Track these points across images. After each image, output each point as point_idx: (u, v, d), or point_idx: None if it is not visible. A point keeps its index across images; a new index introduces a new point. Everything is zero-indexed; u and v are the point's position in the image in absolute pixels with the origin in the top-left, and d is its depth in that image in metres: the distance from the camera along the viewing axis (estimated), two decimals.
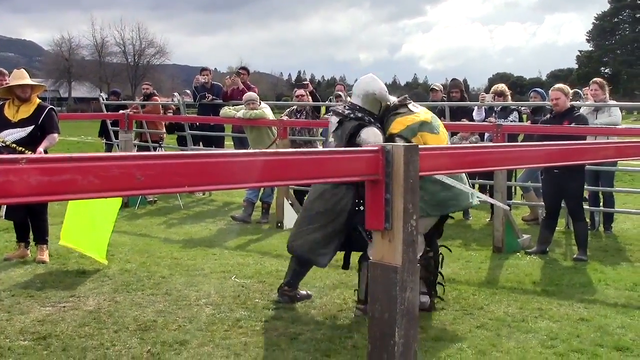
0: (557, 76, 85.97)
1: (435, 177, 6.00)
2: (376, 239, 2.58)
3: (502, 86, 11.75)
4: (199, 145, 14.81)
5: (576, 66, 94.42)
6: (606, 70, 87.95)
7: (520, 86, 73.97)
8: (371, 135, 6.10)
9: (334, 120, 6.48)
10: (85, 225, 7.76)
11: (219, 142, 14.77)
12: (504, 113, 11.06)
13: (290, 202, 10.66)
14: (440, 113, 11.73)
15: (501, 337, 5.61)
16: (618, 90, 77.89)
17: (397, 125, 6.19)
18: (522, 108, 12.05)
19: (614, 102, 11.09)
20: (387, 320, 2.55)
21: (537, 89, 12.26)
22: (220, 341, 5.43)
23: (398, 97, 6.54)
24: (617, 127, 10.01)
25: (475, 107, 11.33)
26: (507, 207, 6.21)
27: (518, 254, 8.69)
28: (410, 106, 6.36)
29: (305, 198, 6.77)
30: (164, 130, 15.60)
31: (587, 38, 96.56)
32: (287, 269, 6.74)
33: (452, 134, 10.96)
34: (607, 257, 8.54)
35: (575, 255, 8.40)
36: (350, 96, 12.43)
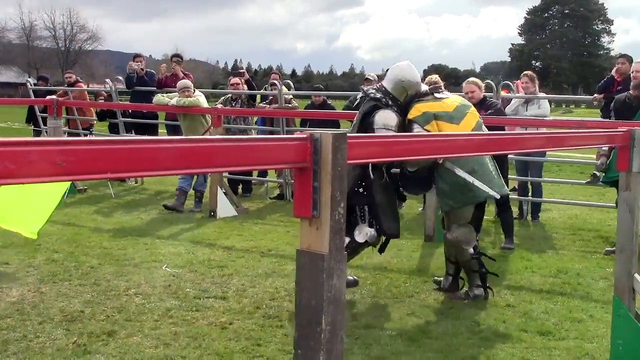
0: (491, 68, 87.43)
1: (452, 168, 6.13)
2: (303, 227, 2.58)
3: (435, 77, 11.84)
4: (132, 133, 14.59)
5: (509, 59, 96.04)
6: (537, 64, 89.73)
7: (455, 77, 74.86)
8: (382, 118, 6.22)
9: (359, 96, 6.75)
10: (15, 202, 7.57)
11: (152, 130, 14.58)
12: None
13: (224, 190, 10.60)
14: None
15: (430, 324, 5.70)
16: (548, 84, 79.51)
17: (414, 111, 6.36)
18: None
19: (544, 95, 11.31)
20: (314, 307, 2.55)
21: (468, 80, 12.40)
22: (149, 331, 5.38)
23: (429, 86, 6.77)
24: (546, 118, 10.22)
25: None
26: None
27: None
28: (436, 94, 6.54)
29: None
30: (94, 117, 15.35)
31: (520, 32, 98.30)
32: None
33: None
34: (534, 245, 8.72)
35: (502, 244, 8.56)
36: (285, 86, 12.51)
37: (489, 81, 10.71)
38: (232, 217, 10.41)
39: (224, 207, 10.48)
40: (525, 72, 10.94)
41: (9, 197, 7.61)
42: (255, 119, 13.60)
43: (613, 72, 11.27)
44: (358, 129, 6.36)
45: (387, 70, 12.99)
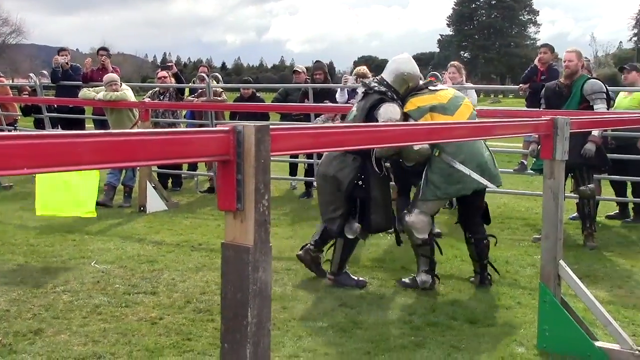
0: (420, 59, 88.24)
1: (448, 161, 6.15)
2: (228, 220, 2.57)
3: (363, 68, 11.92)
4: (58, 128, 14.29)
5: (438, 50, 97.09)
6: (465, 54, 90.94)
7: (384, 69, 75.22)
8: (388, 112, 6.29)
9: (360, 91, 6.82)
10: (61, 190, 7.44)
11: (79, 125, 14.29)
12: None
13: (153, 185, 10.48)
14: (304, 95, 11.82)
15: (361, 314, 5.73)
16: (477, 74, 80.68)
17: (409, 105, 6.46)
18: None
19: (471, 85, 11.48)
20: (239, 300, 2.54)
21: None
22: (77, 328, 5.29)
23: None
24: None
25: (338, 89, 11.45)
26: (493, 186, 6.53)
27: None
28: (431, 87, 6.63)
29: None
30: (18, 112, 14.99)
31: (448, 23, 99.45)
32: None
33: (316, 116, 11.07)
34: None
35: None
36: (214, 79, 12.42)
37: (436, 73, 10.83)
38: (162, 211, 10.31)
39: (154, 201, 10.37)
40: (452, 62, 11.08)
41: (53, 187, 7.40)
42: (184, 112, 13.47)
43: (536, 61, 11.47)
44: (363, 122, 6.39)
45: (315, 62, 13.10)
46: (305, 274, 6.90)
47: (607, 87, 8.56)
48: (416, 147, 6.10)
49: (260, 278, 2.54)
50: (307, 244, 6.88)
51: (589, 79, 8.61)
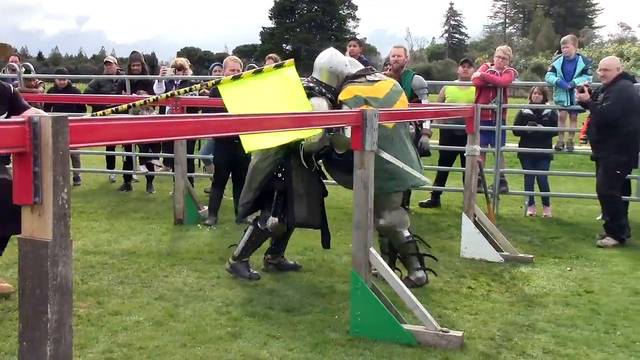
0: (243, 51, 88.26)
1: (380, 154, 6.02)
2: (25, 214, 2.48)
3: (182, 60, 11.83)
4: None
5: (260, 42, 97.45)
6: (288, 47, 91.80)
7: (207, 60, 74.74)
8: (315, 105, 6.21)
9: None
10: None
11: None
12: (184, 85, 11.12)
13: None
14: (120, 86, 11.56)
15: (178, 307, 5.69)
16: (299, 66, 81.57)
17: (346, 93, 6.36)
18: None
19: None
20: (38, 296, 2.46)
21: (218, 63, 12.49)
22: None
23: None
24: None
25: (156, 81, 11.28)
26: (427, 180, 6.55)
27: (199, 225, 8.85)
28: (369, 77, 6.49)
29: None
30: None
31: (270, 15, 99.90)
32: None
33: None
34: None
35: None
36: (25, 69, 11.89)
37: (253, 64, 10.87)
38: None
39: None
40: (270, 55, 11.20)
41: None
42: None
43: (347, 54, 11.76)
44: None
45: (132, 53, 12.83)
46: (120, 268, 6.77)
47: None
48: (348, 134, 6.04)
49: (60, 273, 2.48)
50: (266, 256, 6.92)
51: (415, 74, 9.08)
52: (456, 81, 11.22)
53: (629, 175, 9.06)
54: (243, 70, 9.03)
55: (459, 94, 10.63)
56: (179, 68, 11.42)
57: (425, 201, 10.69)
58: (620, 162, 8.36)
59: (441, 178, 10.89)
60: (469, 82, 10.52)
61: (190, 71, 11.95)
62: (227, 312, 5.63)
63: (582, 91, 8.61)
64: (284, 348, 4.90)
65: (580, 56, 9.84)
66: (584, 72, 9.66)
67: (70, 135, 2.48)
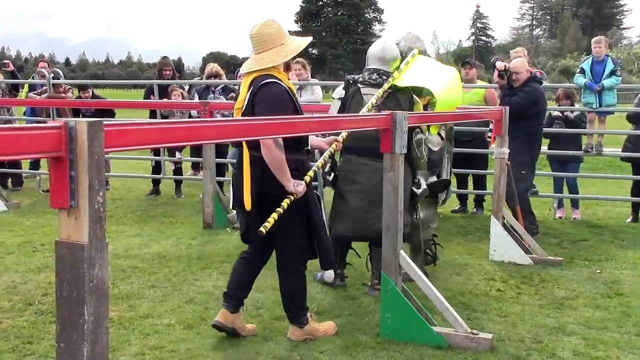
0: None
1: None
2: (62, 218, 2.52)
3: (216, 67, 11.86)
4: None
5: None
6: (314, 51, 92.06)
7: (234, 65, 75.05)
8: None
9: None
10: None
11: None
12: (225, 92, 11.20)
13: None
14: (149, 91, 11.65)
15: (209, 310, 5.73)
16: (325, 70, 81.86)
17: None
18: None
19: (316, 81, 11.67)
20: (75, 298, 2.50)
21: None
22: None
23: None
24: (319, 104, 10.53)
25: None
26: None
27: (228, 229, 8.90)
28: None
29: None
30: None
31: (296, 19, 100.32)
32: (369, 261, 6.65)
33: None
34: None
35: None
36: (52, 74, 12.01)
37: None
38: (2, 212, 9.92)
39: None
40: (297, 59, 11.20)
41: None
42: (23, 109, 13.07)
43: None
44: None
45: (162, 58, 12.92)
46: (151, 272, 6.83)
47: None
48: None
49: (96, 275, 2.51)
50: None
51: None
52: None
53: None
54: None
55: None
56: (215, 75, 11.47)
57: (456, 208, 10.64)
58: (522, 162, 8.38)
59: (462, 181, 10.81)
60: (471, 84, 10.48)
61: (224, 76, 11.99)
62: (258, 315, 5.66)
63: (501, 77, 8.70)
64: (314, 350, 4.92)
65: (609, 57, 9.77)
66: (612, 73, 9.58)
67: (105, 139, 2.52)
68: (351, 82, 6.51)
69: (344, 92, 6.54)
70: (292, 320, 5.17)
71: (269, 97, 4.71)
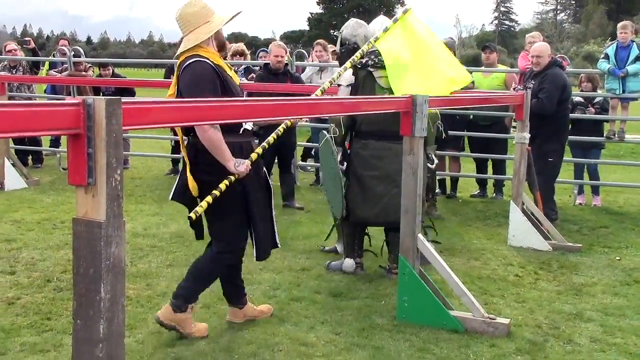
0: (290, 37, 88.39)
1: None
2: (79, 195, 2.53)
3: (241, 46, 11.83)
4: None
5: (308, 28, 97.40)
6: (335, 33, 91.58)
7: (255, 46, 75.06)
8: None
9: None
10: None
11: None
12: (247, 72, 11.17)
13: (12, 162, 10.11)
14: (170, 70, 11.64)
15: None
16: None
17: None
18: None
19: (337, 63, 11.59)
20: (92, 275, 2.51)
21: (264, 49, 12.53)
22: None
23: None
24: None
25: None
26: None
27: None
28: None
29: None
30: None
31: (318, 1, 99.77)
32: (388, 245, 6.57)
33: None
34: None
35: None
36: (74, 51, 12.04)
37: (302, 50, 10.89)
38: (22, 189, 9.97)
39: (12, 178, 10.00)
40: (318, 40, 11.17)
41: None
42: (44, 86, 13.11)
43: None
44: None
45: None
46: (169, 251, 6.85)
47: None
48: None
49: (113, 253, 2.52)
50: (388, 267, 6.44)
51: None
52: (479, 68, 11.00)
53: None
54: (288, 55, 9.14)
55: (481, 81, 10.42)
56: (240, 54, 11.41)
57: (475, 193, 10.59)
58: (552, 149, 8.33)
59: (481, 165, 10.77)
60: (491, 68, 10.40)
61: (249, 57, 11.94)
62: (274, 296, 5.66)
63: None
64: (330, 332, 4.92)
65: (634, 43, 9.63)
66: (637, 59, 9.46)
67: (123, 117, 2.51)
68: (360, 66, 6.35)
69: (353, 78, 6.39)
70: (174, 298, 4.81)
71: (189, 75, 4.51)
